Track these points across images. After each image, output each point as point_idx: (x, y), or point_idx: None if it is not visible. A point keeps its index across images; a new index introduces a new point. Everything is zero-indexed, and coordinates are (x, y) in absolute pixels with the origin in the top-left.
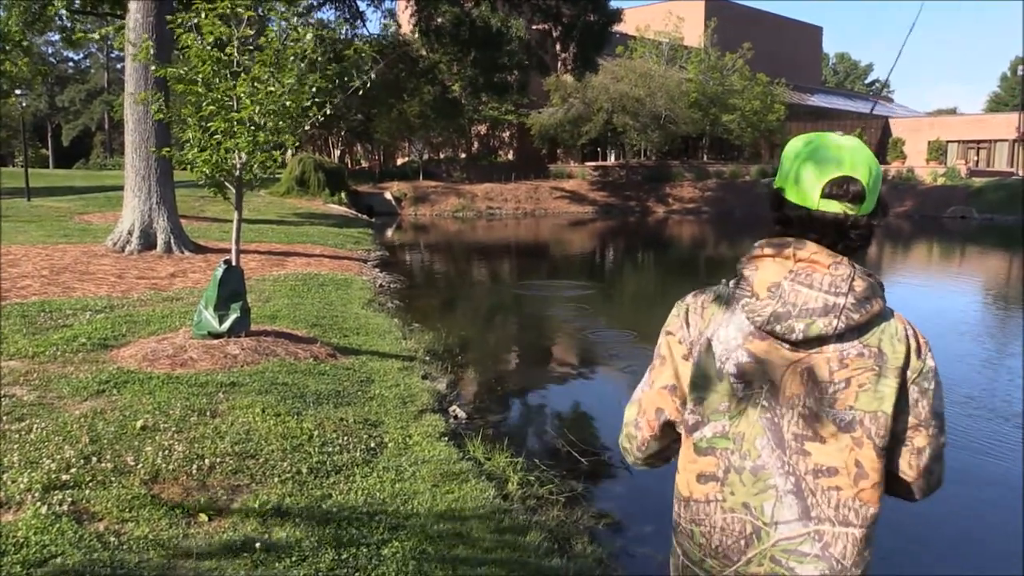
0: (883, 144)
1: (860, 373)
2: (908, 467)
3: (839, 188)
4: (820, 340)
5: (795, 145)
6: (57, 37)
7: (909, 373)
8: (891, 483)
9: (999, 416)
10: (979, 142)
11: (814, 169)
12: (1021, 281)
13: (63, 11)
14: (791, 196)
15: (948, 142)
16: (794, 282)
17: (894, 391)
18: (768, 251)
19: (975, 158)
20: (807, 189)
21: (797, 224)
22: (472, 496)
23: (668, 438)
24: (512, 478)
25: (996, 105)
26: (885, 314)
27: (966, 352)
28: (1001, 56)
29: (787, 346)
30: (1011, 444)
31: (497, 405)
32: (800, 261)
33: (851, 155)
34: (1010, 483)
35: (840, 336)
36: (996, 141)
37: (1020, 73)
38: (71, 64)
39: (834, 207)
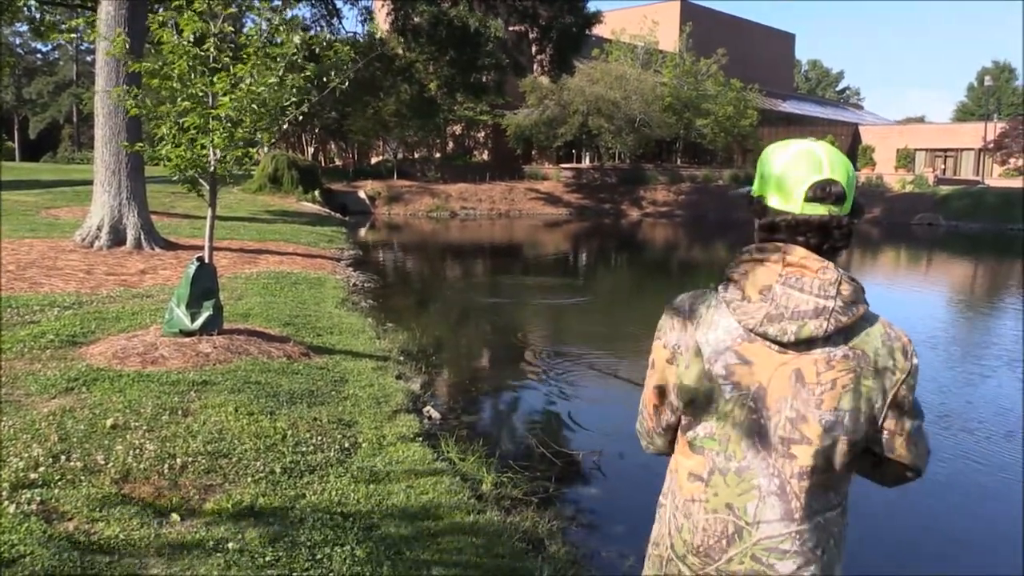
0: (853, 151)
1: (844, 374)
2: (905, 452)
3: (822, 191)
4: (809, 342)
5: (774, 152)
6: (25, 28)
7: (898, 374)
8: (886, 468)
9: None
10: (946, 150)
11: (797, 174)
12: (984, 288)
13: (32, 1)
14: (775, 202)
15: (916, 150)
16: (785, 285)
17: (872, 390)
18: (757, 256)
19: (942, 166)
20: (791, 194)
21: (785, 229)
22: (446, 497)
23: (672, 432)
24: (486, 479)
25: (963, 114)
26: (869, 317)
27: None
28: (969, 65)
29: (776, 348)
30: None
31: (471, 405)
32: (789, 265)
33: (829, 158)
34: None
35: (827, 338)
36: (963, 150)
37: (987, 84)
38: (39, 56)
39: (819, 209)
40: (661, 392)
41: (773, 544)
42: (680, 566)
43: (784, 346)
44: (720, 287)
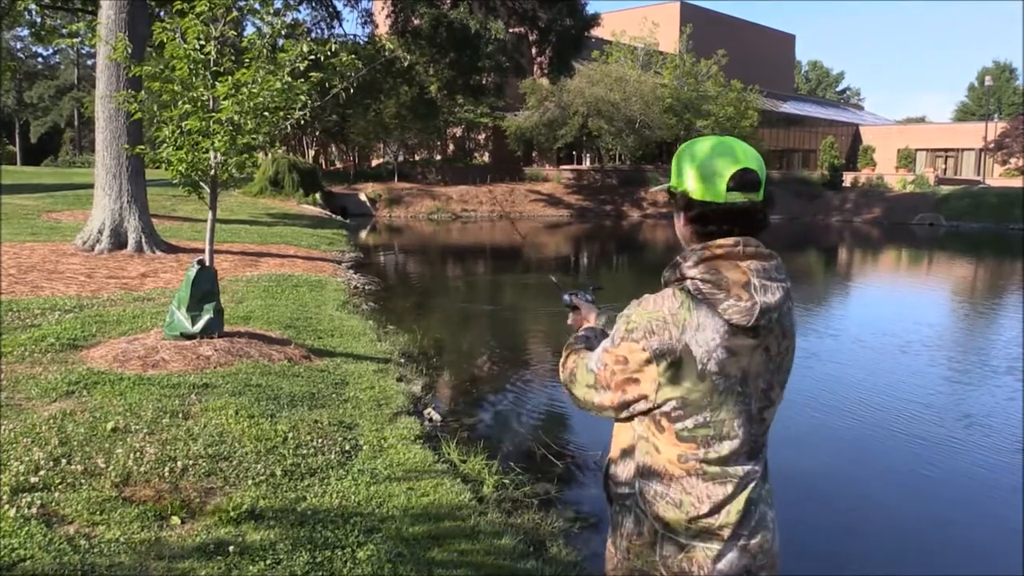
0: (853, 152)
1: (789, 340)
2: None
3: (742, 180)
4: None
5: (691, 149)
6: (26, 32)
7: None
8: None
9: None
10: (947, 150)
11: (717, 167)
12: (983, 289)
13: (33, 6)
14: (698, 195)
15: (917, 150)
16: (760, 278)
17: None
18: (719, 251)
19: (943, 166)
20: (713, 185)
21: (712, 218)
22: (447, 499)
23: (623, 411)
24: (487, 480)
25: (964, 115)
26: None
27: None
28: (970, 65)
29: (751, 334)
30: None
31: (472, 407)
32: (748, 257)
33: (743, 150)
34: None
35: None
36: (963, 150)
37: (987, 84)
38: (40, 60)
39: (739, 197)
40: (634, 383)
41: (754, 493)
42: (675, 536)
43: (758, 331)
44: (692, 286)
